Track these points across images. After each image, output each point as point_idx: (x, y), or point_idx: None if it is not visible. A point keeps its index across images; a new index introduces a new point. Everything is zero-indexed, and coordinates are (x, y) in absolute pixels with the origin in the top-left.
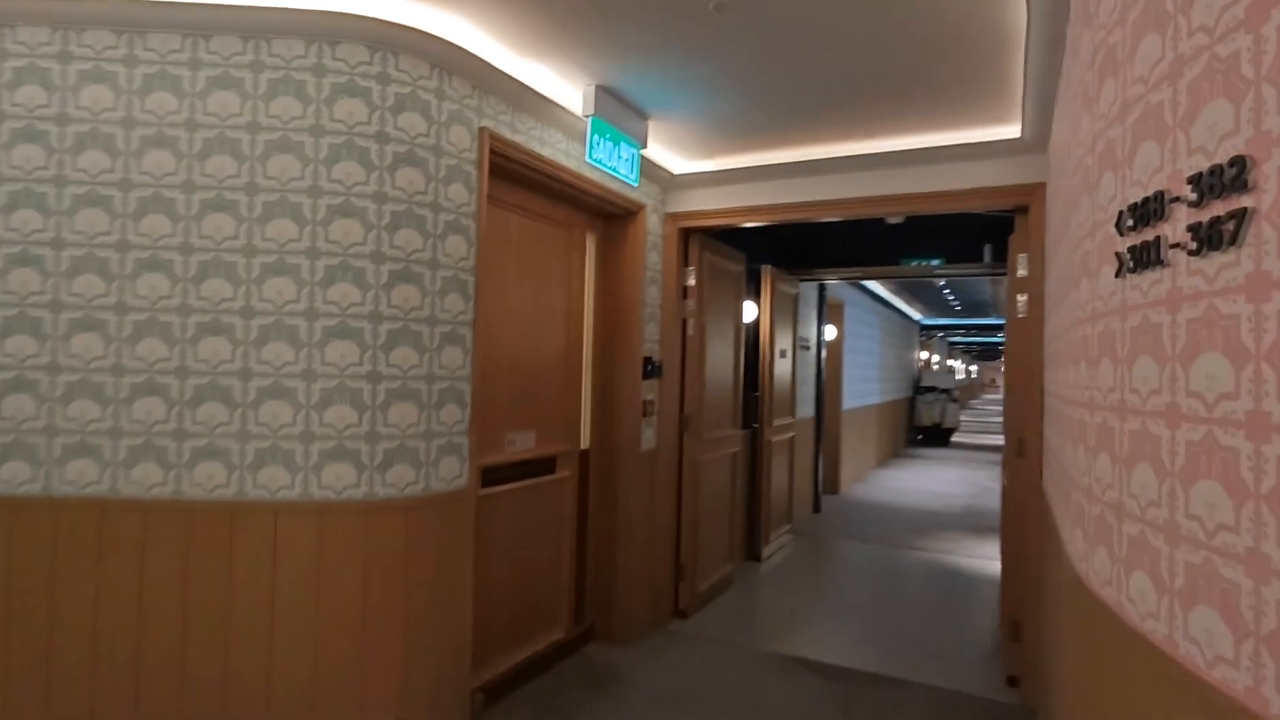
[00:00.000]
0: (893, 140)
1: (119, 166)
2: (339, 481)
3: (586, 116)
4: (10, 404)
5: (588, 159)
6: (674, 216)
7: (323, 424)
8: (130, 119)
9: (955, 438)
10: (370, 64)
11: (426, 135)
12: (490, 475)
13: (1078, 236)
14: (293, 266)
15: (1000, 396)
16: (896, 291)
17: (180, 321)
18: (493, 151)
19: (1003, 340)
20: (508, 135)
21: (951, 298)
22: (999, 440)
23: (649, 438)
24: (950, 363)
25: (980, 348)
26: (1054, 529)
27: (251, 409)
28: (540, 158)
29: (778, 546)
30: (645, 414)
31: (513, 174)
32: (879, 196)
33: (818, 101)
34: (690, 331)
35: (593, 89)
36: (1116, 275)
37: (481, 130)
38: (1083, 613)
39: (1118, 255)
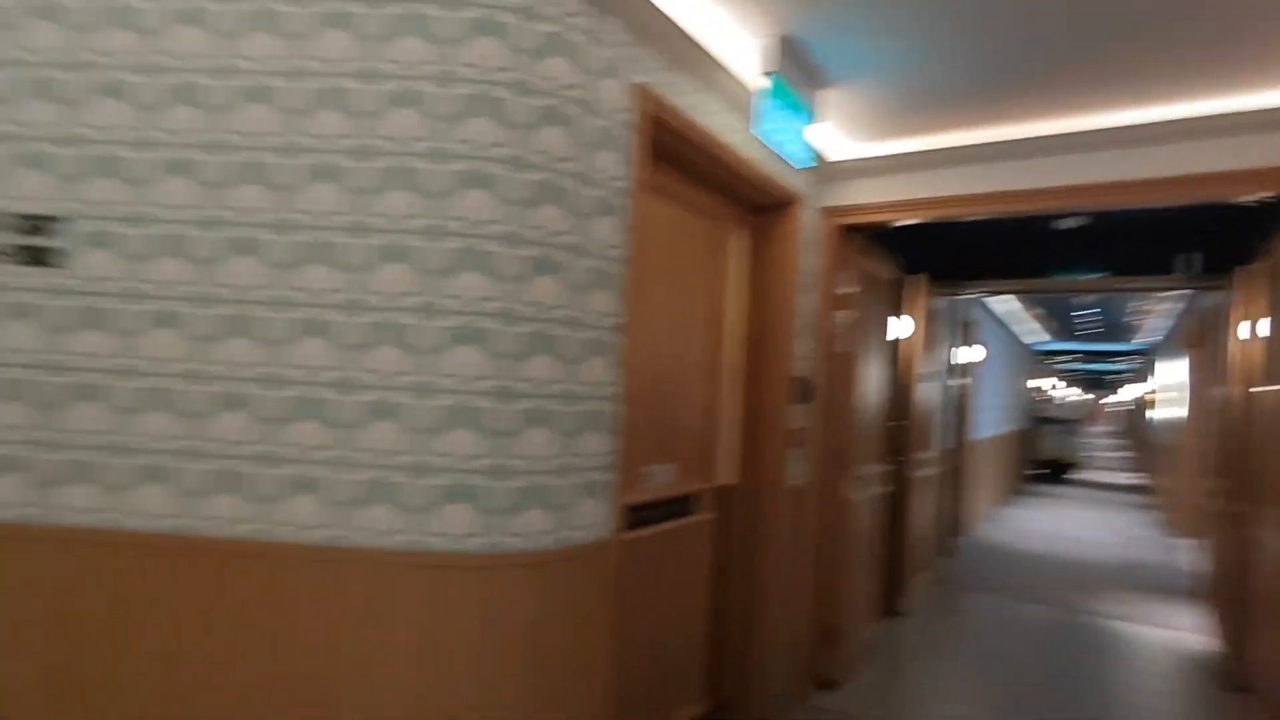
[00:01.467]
0: (1138, 111)
1: (206, 125)
2: (456, 528)
3: (767, 74)
4: (75, 415)
5: (754, 130)
6: (831, 211)
7: (439, 453)
8: (224, 67)
9: (1073, 474)
10: None
11: (574, 87)
12: (633, 517)
13: None
14: (409, 250)
15: (1101, 429)
16: (1026, 307)
17: (271, 318)
18: (653, 116)
19: (1119, 369)
20: (666, 97)
21: (1091, 320)
22: (1123, 479)
23: (797, 473)
24: (1064, 392)
25: (1090, 375)
26: None
27: (353, 431)
28: (698, 129)
29: (919, 599)
30: (794, 444)
31: (662, 148)
32: (1112, 184)
33: (1053, 58)
34: (844, 349)
35: (776, 40)
36: None
37: (638, 87)
38: None
39: None
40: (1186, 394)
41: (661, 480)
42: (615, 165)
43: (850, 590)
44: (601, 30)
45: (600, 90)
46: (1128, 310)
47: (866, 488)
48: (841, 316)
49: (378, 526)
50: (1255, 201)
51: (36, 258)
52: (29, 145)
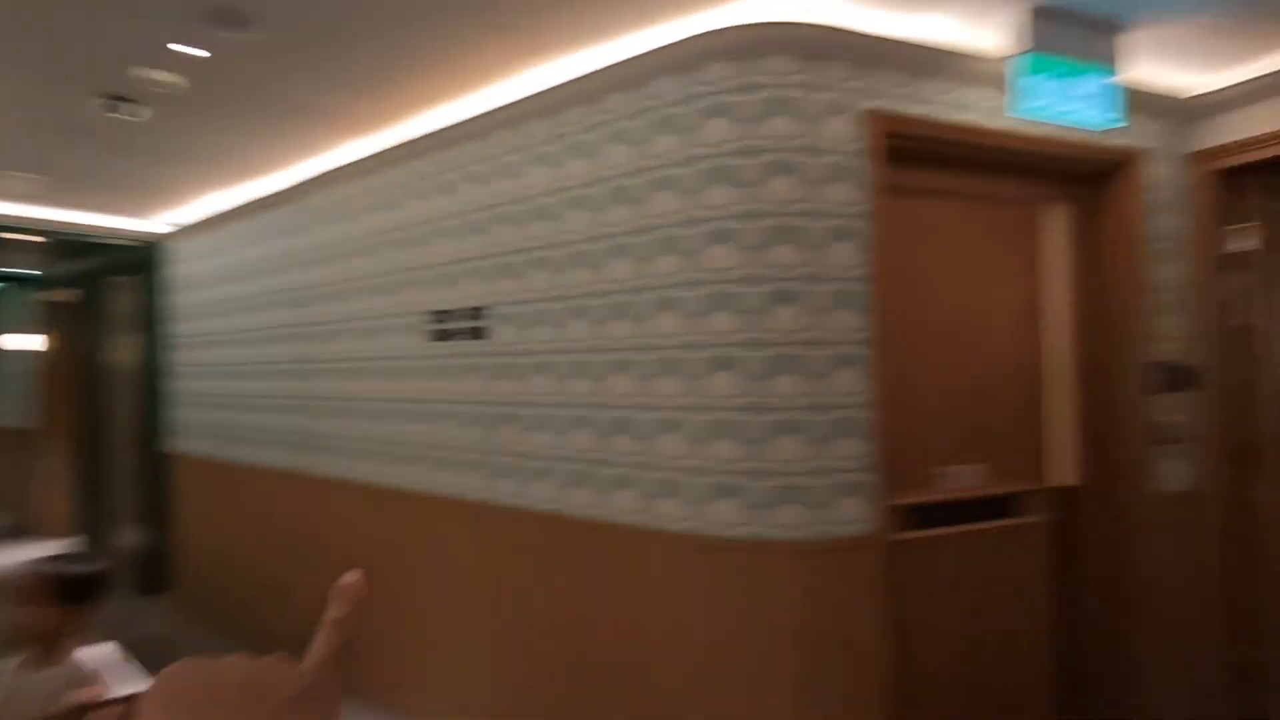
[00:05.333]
0: None
1: (551, 231)
2: (725, 517)
3: (1018, 55)
4: (502, 433)
5: (1017, 112)
6: (1205, 155)
7: (709, 458)
8: (556, 188)
9: None
10: (732, 77)
11: (797, 137)
12: (917, 516)
13: None
14: (676, 300)
15: None
16: None
17: (597, 360)
18: (890, 135)
19: None
20: (908, 110)
21: None
22: None
23: (1175, 474)
24: None
25: None
26: None
27: (651, 441)
28: (956, 127)
29: None
30: (1159, 441)
31: (926, 155)
32: None
33: None
34: (1245, 319)
35: (1026, 16)
36: None
37: (868, 113)
38: None
39: None
40: None
41: (964, 480)
42: (848, 193)
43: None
44: (819, 78)
45: (824, 130)
46: None
47: None
48: (1234, 281)
49: (672, 515)
50: None
51: (476, 333)
52: (470, 264)
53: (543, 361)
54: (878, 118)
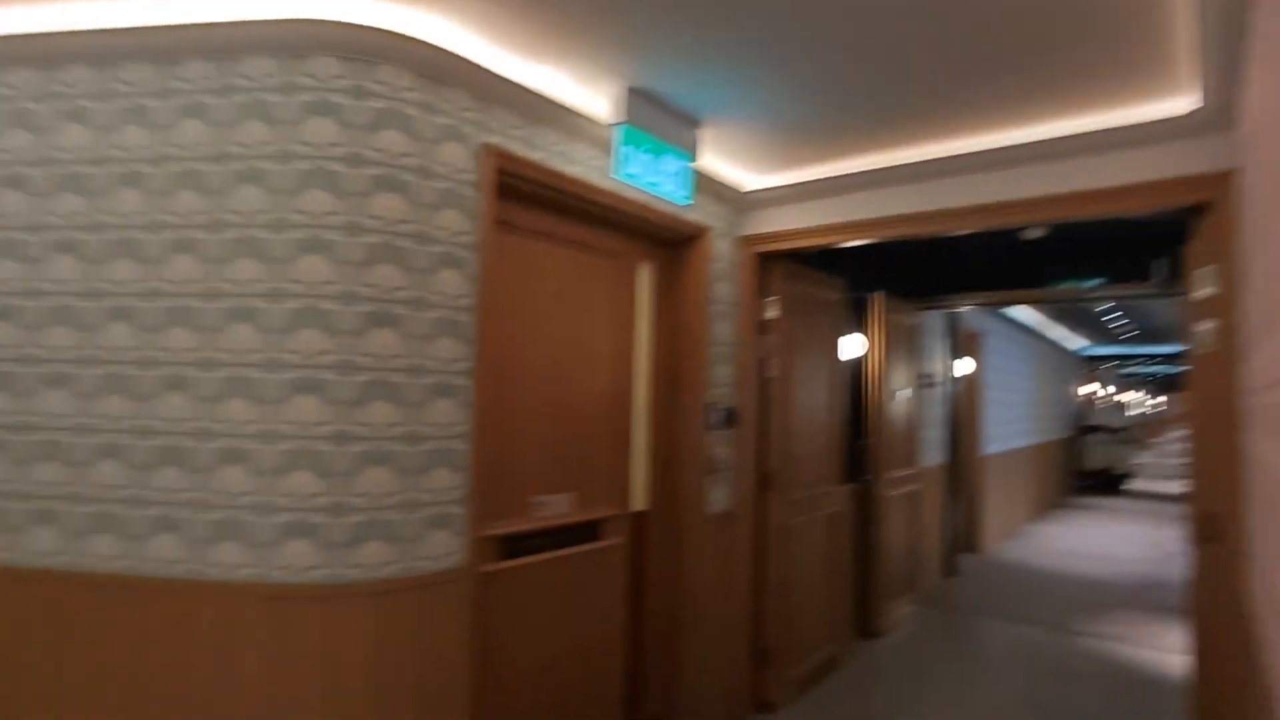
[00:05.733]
0: (1023, 130)
1: (87, 209)
2: (298, 560)
3: (616, 124)
4: None
5: (616, 175)
6: (749, 240)
7: (282, 493)
8: (103, 157)
9: (1131, 484)
10: (343, 77)
11: (410, 155)
12: (512, 545)
13: None
14: (254, 311)
15: (1174, 434)
16: (1055, 319)
17: (142, 375)
18: (503, 171)
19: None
20: (522, 153)
21: (1123, 324)
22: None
23: (719, 498)
24: (1123, 397)
25: (1164, 379)
26: (1265, 675)
27: (208, 474)
28: (565, 177)
29: (898, 620)
30: (712, 470)
31: (536, 197)
32: (1008, 203)
33: (922, 87)
34: (773, 373)
35: (624, 92)
36: None
37: (485, 147)
38: None
39: None
40: None
41: (556, 509)
42: (460, 222)
43: (799, 613)
44: (438, 100)
45: (441, 153)
46: (1161, 314)
47: (814, 509)
48: (767, 341)
49: (229, 561)
50: (1148, 213)
51: None
52: None
53: (59, 373)
54: (494, 152)
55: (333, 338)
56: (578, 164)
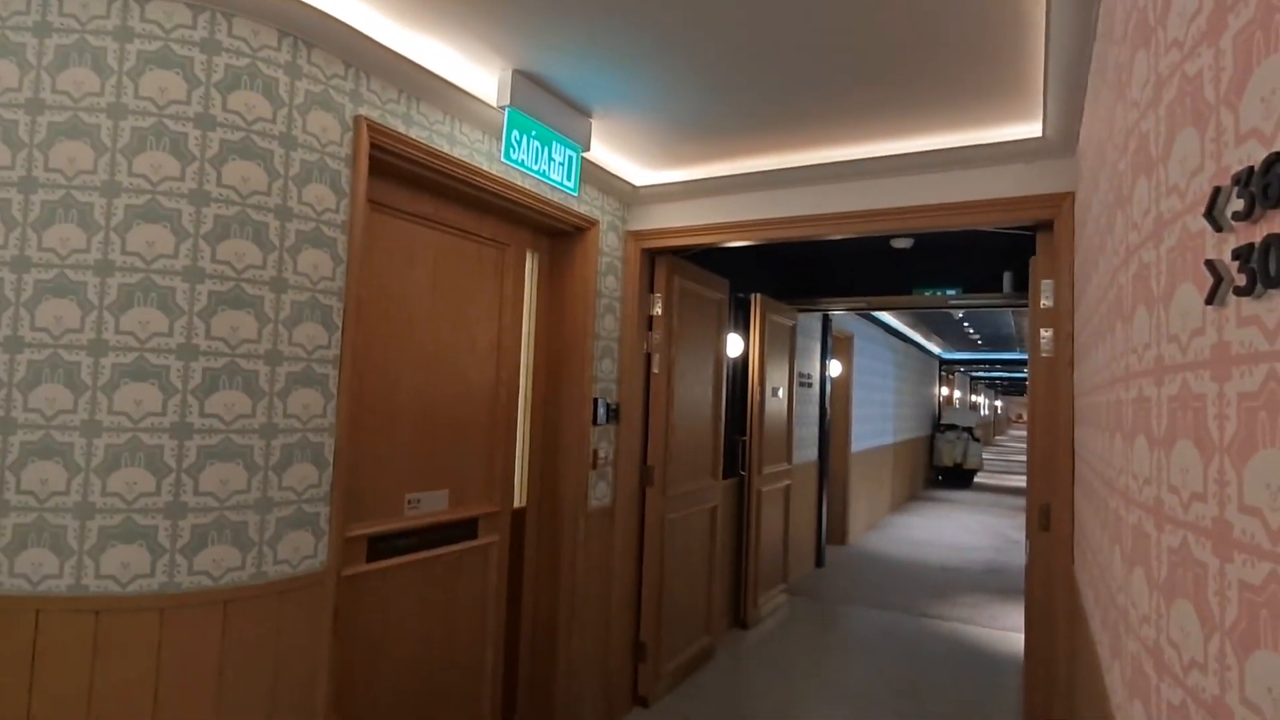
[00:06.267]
0: (898, 142)
1: None
2: (126, 570)
3: (501, 108)
4: None
5: (504, 159)
6: (637, 235)
7: (106, 493)
8: None
9: (979, 478)
10: (190, 27)
11: (271, 121)
12: (381, 546)
13: (1113, 265)
14: (76, 285)
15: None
16: (914, 324)
17: None
18: (378, 147)
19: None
20: (401, 129)
21: (971, 331)
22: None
23: (601, 493)
24: (974, 398)
25: (1006, 382)
26: (1090, 644)
27: (11, 473)
28: (448, 159)
29: (770, 610)
30: (595, 465)
31: (416, 178)
32: (880, 210)
33: (807, 94)
34: (656, 369)
35: (509, 74)
36: (1210, 300)
37: (358, 119)
38: None
39: (1213, 267)
40: None
41: (431, 506)
42: (328, 198)
43: (675, 606)
44: (305, 63)
45: (308, 121)
46: (1005, 324)
47: (694, 504)
48: (652, 337)
49: (36, 574)
50: (1001, 227)
51: None
52: None
53: None
54: (370, 126)
55: (174, 318)
56: (462, 146)
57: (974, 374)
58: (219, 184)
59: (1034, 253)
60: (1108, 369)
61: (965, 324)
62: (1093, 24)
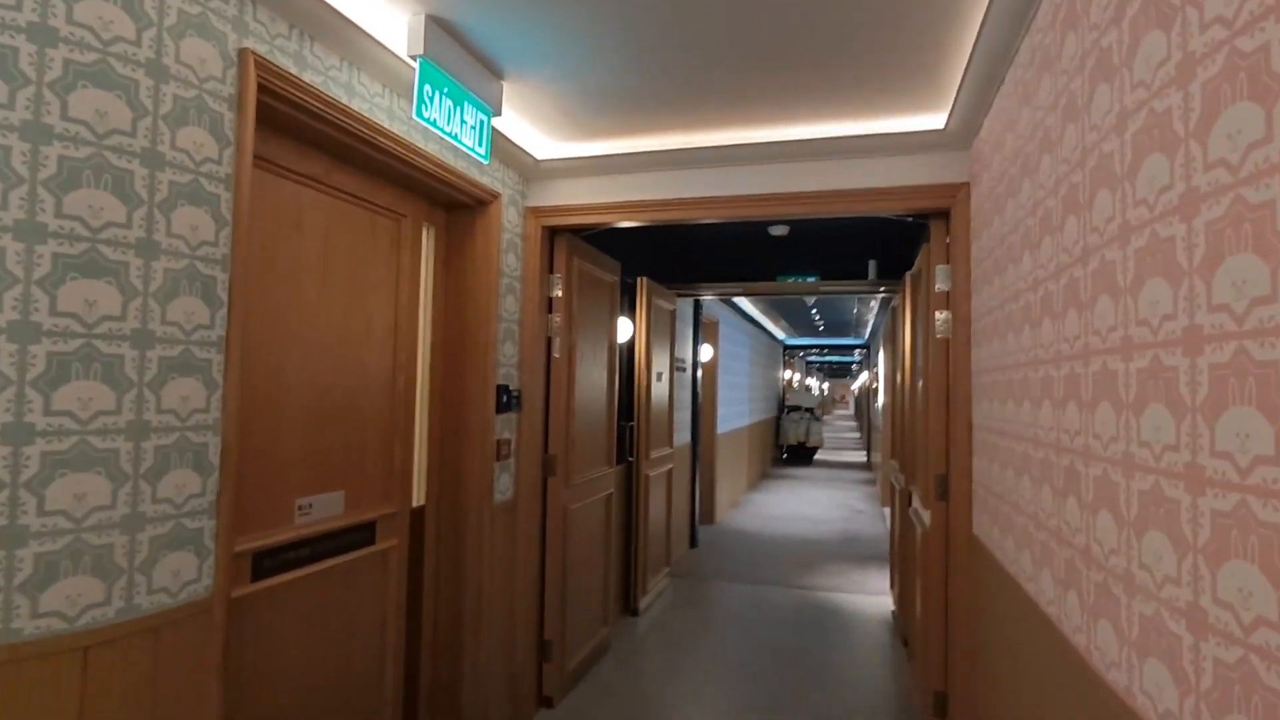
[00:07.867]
0: (808, 127)
1: None
2: None
3: (414, 57)
4: None
5: (415, 115)
6: (537, 211)
7: None
8: None
9: (818, 455)
10: None
11: (135, 43)
12: (269, 563)
13: (1032, 272)
14: None
15: (849, 413)
16: (766, 310)
17: None
18: (267, 90)
19: (855, 360)
20: (292, 70)
21: (818, 317)
22: (855, 457)
23: (505, 486)
24: (809, 381)
25: (833, 366)
26: (1000, 575)
27: None
28: (347, 111)
29: (656, 594)
30: (500, 457)
31: (306, 132)
32: (783, 194)
33: (717, 67)
34: (557, 353)
35: (421, 19)
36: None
37: (244, 52)
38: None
39: None
40: (882, 383)
41: (325, 511)
42: (207, 145)
43: (577, 601)
44: None
45: (183, 48)
46: (850, 309)
47: (592, 493)
48: (552, 320)
49: None
50: (900, 214)
51: None
52: None
53: None
54: (258, 62)
55: (4, 289)
56: (361, 99)
57: (809, 359)
58: (64, 117)
59: (906, 243)
60: (1032, 351)
61: (814, 310)
62: (1029, 19)
